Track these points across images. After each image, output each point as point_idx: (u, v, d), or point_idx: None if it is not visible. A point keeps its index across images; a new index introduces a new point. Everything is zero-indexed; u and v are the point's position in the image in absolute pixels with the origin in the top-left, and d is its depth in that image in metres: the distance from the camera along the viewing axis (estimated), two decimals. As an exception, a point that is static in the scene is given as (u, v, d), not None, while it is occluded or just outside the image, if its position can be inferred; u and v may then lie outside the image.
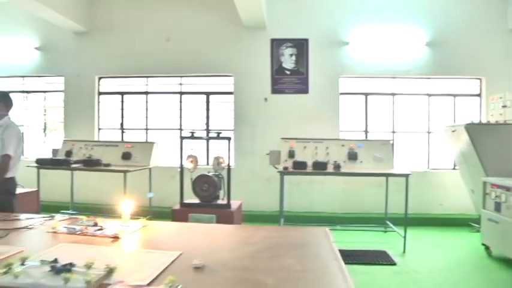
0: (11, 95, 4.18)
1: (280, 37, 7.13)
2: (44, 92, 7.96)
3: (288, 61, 7.14)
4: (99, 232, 2.31)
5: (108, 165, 6.09)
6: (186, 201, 4.85)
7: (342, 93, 7.17)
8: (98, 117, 7.75)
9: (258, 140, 7.04)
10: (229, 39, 7.19)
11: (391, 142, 6.33)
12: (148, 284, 1.54)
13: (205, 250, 2.07)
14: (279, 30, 7.13)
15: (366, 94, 7.21)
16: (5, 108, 3.95)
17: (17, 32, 7.91)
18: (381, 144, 6.18)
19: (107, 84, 7.78)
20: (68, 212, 6.69)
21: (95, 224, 2.46)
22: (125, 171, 5.67)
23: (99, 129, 7.75)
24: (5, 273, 1.57)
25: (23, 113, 7.99)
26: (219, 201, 4.91)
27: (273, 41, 7.12)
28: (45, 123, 8.00)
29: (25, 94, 8.02)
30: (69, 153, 6.56)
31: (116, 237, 2.22)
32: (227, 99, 7.38)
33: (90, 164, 6.01)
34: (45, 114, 8.02)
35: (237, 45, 7.17)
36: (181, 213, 4.63)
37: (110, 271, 1.62)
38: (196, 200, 4.87)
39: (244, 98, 7.16)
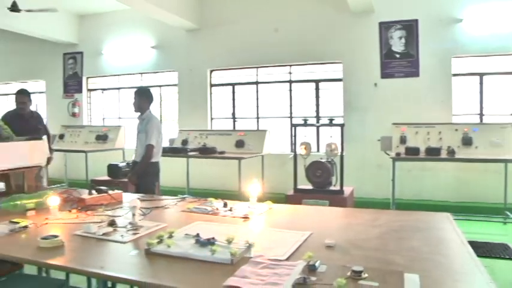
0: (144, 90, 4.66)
1: (389, 20, 6.83)
2: (160, 86, 8.64)
3: (397, 44, 6.82)
4: (229, 213, 2.47)
5: (222, 152, 6.42)
6: (300, 187, 4.94)
7: (454, 75, 6.65)
8: (211, 107, 8.19)
9: (368, 126, 6.86)
10: (336, 26, 7.08)
11: (511, 125, 5.73)
12: (286, 259, 1.63)
13: (333, 231, 2.11)
14: (387, 13, 6.82)
15: (481, 74, 6.58)
16: (147, 103, 4.40)
17: (135, 34, 8.68)
18: (499, 128, 5.65)
19: (218, 77, 8.17)
20: (184, 196, 7.23)
21: (225, 205, 2.64)
22: (239, 158, 5.94)
23: (212, 118, 8.20)
24: (158, 243, 1.78)
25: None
26: (332, 187, 4.92)
27: (381, 24, 6.85)
28: (160, 115, 8.67)
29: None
30: (185, 142, 7.05)
31: (246, 217, 2.36)
32: (336, 86, 7.30)
33: (206, 151, 6.40)
34: (160, 107, 8.70)
35: (344, 31, 7.03)
36: (295, 199, 4.73)
37: (250, 246, 1.74)
38: (309, 186, 4.93)
39: (354, 84, 7.01)
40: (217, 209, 2.57)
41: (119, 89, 9.21)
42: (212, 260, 1.62)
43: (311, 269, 1.50)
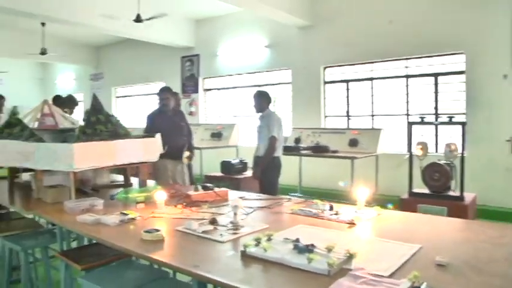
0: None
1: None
2: (274, 85, 8.76)
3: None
4: (334, 217, 2.36)
5: (335, 151, 6.27)
6: (415, 190, 4.59)
7: None
8: (324, 105, 8.06)
9: (495, 124, 6.01)
10: (458, 13, 6.33)
11: None
12: (389, 276, 1.49)
13: (447, 246, 1.87)
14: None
15: None
16: (266, 103, 4.81)
17: (249, 34, 8.94)
18: None
19: (331, 73, 7.99)
20: (295, 194, 7.23)
21: (331, 208, 2.53)
22: (352, 158, 5.75)
23: (325, 116, 8.06)
24: (256, 245, 1.76)
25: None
26: (451, 193, 4.47)
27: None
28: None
29: (258, 88, 8.98)
30: (297, 140, 7.05)
31: (351, 223, 2.23)
32: (457, 79, 6.60)
33: (319, 150, 6.32)
34: (274, 105, 8.79)
35: (467, 18, 6.24)
36: (409, 203, 4.41)
37: (350, 257, 1.62)
38: (425, 190, 4.55)
39: (479, 77, 6.21)
40: (322, 211, 2.47)
41: (233, 88, 9.57)
42: (308, 269, 1.54)
43: None
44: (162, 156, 4.41)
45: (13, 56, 11.71)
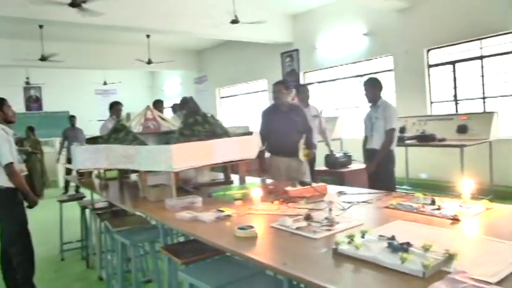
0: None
1: None
2: (375, 73, 8.36)
3: None
4: (437, 212, 2.17)
5: (442, 140, 5.81)
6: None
7: None
8: (429, 90, 7.50)
9: None
10: None
11: None
12: (497, 283, 1.30)
13: None
14: None
15: None
16: (379, 91, 4.54)
17: (346, 24, 8.69)
18: None
19: (436, 56, 7.40)
20: (402, 187, 6.84)
21: (433, 202, 2.34)
22: (461, 146, 5.27)
23: (431, 103, 7.50)
24: (348, 243, 1.69)
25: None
26: None
27: None
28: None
29: (359, 78, 8.67)
30: (402, 130, 6.65)
31: (455, 219, 2.02)
32: None
33: (424, 139, 5.91)
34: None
35: None
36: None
37: (450, 257, 1.47)
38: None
39: None
40: (423, 206, 2.29)
41: (334, 80, 9.37)
42: (401, 269, 1.43)
43: None
44: (274, 153, 4.49)
45: (123, 68, 12.96)
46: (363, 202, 2.58)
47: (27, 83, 12.55)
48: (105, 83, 14.04)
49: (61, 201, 4.85)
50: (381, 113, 4.40)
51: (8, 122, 3.61)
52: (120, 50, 11.68)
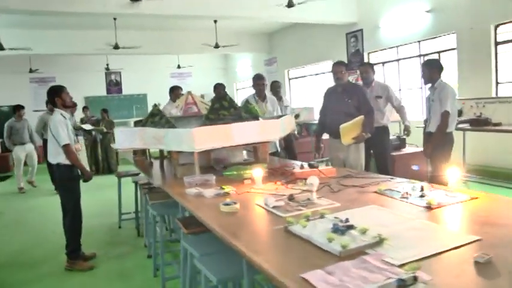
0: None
1: None
2: (438, 52, 7.93)
3: None
4: (415, 200, 2.21)
5: (498, 124, 5.45)
6: None
7: None
8: (496, 70, 6.97)
9: None
10: None
11: None
12: (401, 265, 1.37)
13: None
14: None
15: None
16: (437, 73, 4.33)
17: (410, 0, 8.27)
18: None
19: (505, 32, 6.84)
20: (461, 174, 6.56)
21: (421, 190, 2.36)
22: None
23: (497, 83, 6.97)
24: (301, 223, 1.84)
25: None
26: None
27: None
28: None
29: (421, 58, 8.28)
30: (459, 113, 6.30)
31: (428, 208, 2.06)
32: None
33: (477, 123, 5.58)
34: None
35: None
36: None
37: (380, 241, 1.58)
38: None
39: None
40: (407, 193, 2.33)
41: (397, 60, 9.06)
42: (326, 248, 1.57)
43: (398, 284, 1.22)
44: (329, 134, 4.61)
45: (193, 52, 13.54)
46: (357, 186, 2.66)
47: (107, 68, 13.76)
48: (178, 67, 14.85)
49: (119, 177, 5.44)
50: (437, 94, 4.25)
51: (66, 107, 4.09)
52: (189, 35, 12.24)
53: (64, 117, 3.99)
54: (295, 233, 1.78)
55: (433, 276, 1.28)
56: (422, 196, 2.25)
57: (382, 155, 5.24)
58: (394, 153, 6.42)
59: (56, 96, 3.96)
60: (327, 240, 1.60)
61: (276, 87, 6.31)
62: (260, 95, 5.28)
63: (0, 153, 11.90)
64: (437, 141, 4.25)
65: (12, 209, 7.15)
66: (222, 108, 3.71)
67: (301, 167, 3.18)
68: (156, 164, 4.34)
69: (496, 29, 6.88)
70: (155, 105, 3.99)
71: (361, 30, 9.75)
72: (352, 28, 9.98)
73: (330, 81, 10.89)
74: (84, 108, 10.49)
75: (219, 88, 6.73)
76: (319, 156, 4.81)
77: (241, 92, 16.46)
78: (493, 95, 6.84)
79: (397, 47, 8.94)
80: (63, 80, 13.58)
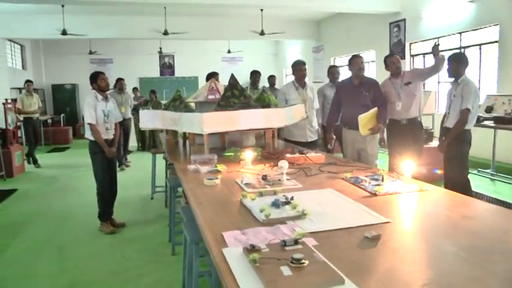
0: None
1: None
2: (480, 45, 7.74)
3: None
4: (369, 187, 2.45)
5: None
6: None
7: None
8: (538, 66, 6.75)
9: None
10: None
11: None
12: (312, 233, 1.69)
13: (421, 227, 1.85)
14: None
15: None
16: (463, 68, 4.31)
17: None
18: None
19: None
20: (486, 171, 6.51)
21: (382, 179, 2.61)
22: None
23: (539, 80, 6.76)
24: (251, 197, 2.19)
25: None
26: None
27: None
28: (479, 78, 7.82)
29: (462, 50, 8.11)
30: (489, 109, 6.24)
31: (374, 194, 2.32)
32: None
33: (501, 121, 5.52)
34: (480, 69, 7.81)
35: None
36: None
37: (303, 215, 1.91)
38: None
39: None
40: (365, 180, 2.60)
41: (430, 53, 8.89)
42: (256, 216, 1.92)
43: (281, 244, 1.52)
44: (344, 125, 4.84)
45: (240, 38, 13.94)
46: (331, 172, 2.95)
47: (160, 52, 14.56)
48: (229, 51, 15.36)
49: (153, 153, 6.03)
50: (460, 90, 4.23)
51: (102, 90, 4.65)
52: (236, 22, 12.64)
53: (96, 98, 4.55)
54: (245, 204, 2.15)
55: (321, 243, 1.60)
56: (378, 185, 2.50)
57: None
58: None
59: (93, 82, 4.57)
60: (259, 210, 1.96)
61: (334, 73, 6.26)
62: (300, 81, 5.17)
63: (62, 127, 13.18)
64: (454, 137, 4.26)
65: (65, 176, 8.06)
66: (232, 96, 4.09)
67: (293, 152, 3.50)
68: (180, 143, 4.83)
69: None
70: (177, 91, 4.45)
71: (404, 20, 9.65)
72: (395, 18, 9.91)
73: (372, 70, 10.99)
74: (134, 89, 11.31)
75: (255, 75, 7.10)
76: (332, 148, 5.06)
77: (290, 78, 16.70)
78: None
79: (438, 38, 8.76)
80: (120, 62, 14.82)
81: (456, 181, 4.30)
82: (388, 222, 1.85)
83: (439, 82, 8.90)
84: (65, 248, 4.29)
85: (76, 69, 14.52)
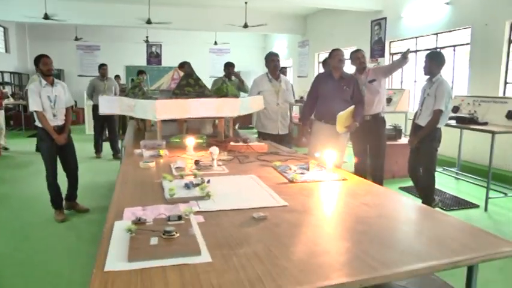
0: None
1: None
2: (453, 46, 7.85)
3: None
4: (291, 175, 2.55)
5: (484, 123, 5.47)
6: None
7: None
8: (506, 69, 6.83)
9: None
10: None
11: None
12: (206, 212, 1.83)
13: (315, 210, 1.96)
14: None
15: None
16: (438, 67, 4.35)
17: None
18: None
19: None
20: (452, 169, 6.65)
21: (307, 169, 2.72)
22: (492, 132, 4.94)
23: (506, 83, 6.85)
24: (169, 178, 2.31)
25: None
26: None
27: None
28: (452, 79, 7.92)
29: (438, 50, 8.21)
30: (456, 109, 6.34)
31: (290, 181, 2.43)
32: None
33: (463, 121, 5.61)
34: (453, 70, 7.92)
35: None
36: None
37: (206, 196, 2.03)
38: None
39: None
40: (290, 169, 2.71)
41: (415, 51, 9.01)
42: (166, 195, 2.03)
43: (167, 219, 1.65)
44: (318, 118, 4.77)
45: (223, 30, 13.83)
46: (263, 161, 3.06)
47: (146, 41, 14.58)
48: (215, 43, 15.39)
49: (121, 140, 6.12)
50: (434, 90, 4.27)
51: (44, 75, 4.36)
52: (220, 13, 12.58)
53: (41, 84, 4.29)
54: (162, 185, 2.26)
55: (208, 221, 1.71)
56: (302, 173, 2.61)
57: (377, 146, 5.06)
58: (388, 143, 6.61)
59: (35, 65, 4.36)
60: (168, 190, 2.06)
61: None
62: (273, 73, 5.11)
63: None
64: (425, 136, 4.33)
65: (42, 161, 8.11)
66: (187, 85, 4.17)
67: (237, 141, 3.60)
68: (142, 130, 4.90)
69: (511, 27, 6.72)
70: (138, 79, 4.54)
71: (385, 18, 9.74)
72: (377, 16, 9.99)
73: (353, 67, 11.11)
74: (116, 77, 11.35)
75: (229, 67, 7.14)
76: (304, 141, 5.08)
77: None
78: (500, 95, 6.76)
79: (416, 38, 8.90)
80: (107, 49, 14.84)
81: (423, 177, 4.51)
82: (285, 205, 1.96)
83: (415, 81, 9.01)
84: (25, 229, 4.37)
85: (62, 55, 14.48)
